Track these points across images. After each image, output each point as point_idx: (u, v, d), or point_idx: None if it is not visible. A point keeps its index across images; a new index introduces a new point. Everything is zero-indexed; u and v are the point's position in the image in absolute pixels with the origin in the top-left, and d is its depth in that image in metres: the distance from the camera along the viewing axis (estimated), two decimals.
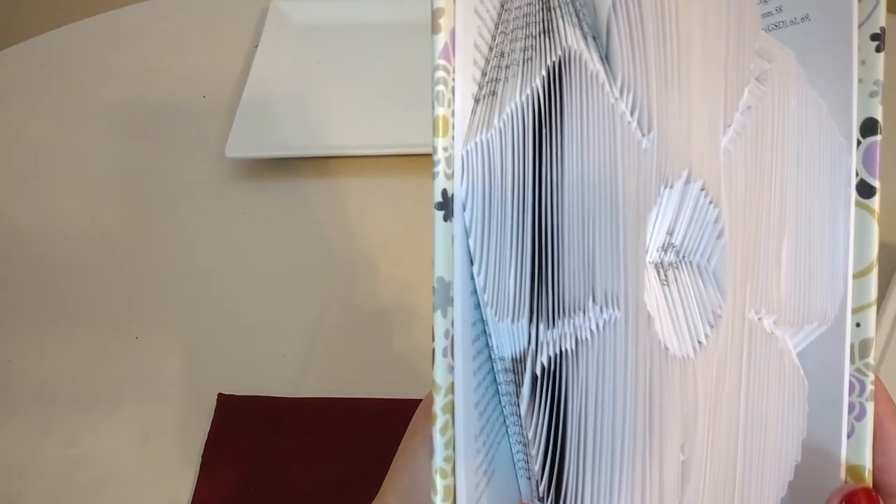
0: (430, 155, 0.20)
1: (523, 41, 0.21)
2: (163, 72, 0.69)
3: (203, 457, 0.46)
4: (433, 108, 0.20)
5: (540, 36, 0.21)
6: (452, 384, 0.20)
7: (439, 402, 0.20)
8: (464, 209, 0.20)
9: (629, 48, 0.19)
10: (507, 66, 0.21)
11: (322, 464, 0.46)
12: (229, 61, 0.68)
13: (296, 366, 0.50)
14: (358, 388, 0.48)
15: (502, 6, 0.23)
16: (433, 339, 0.20)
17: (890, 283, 0.49)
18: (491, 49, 0.22)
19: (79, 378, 0.51)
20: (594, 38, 0.20)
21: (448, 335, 0.20)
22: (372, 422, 0.47)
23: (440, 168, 0.20)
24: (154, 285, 0.55)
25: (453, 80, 0.20)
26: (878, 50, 0.21)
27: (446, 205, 0.20)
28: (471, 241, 0.20)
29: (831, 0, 0.22)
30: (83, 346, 0.52)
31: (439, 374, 0.20)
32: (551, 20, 0.21)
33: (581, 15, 0.20)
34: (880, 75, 0.21)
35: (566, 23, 0.20)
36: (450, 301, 0.20)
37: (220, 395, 0.49)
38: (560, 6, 0.21)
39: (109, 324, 0.53)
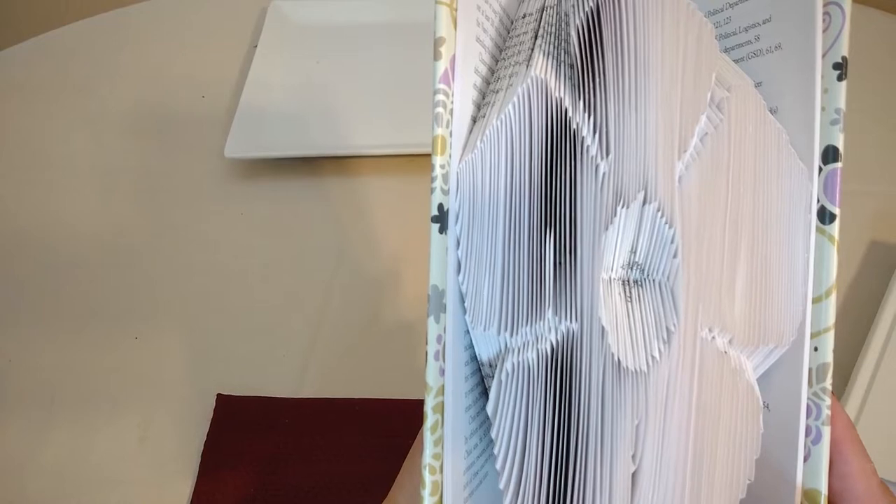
0: (429, 155, 0.21)
1: (512, 68, 0.23)
2: (163, 72, 0.69)
3: (202, 457, 0.46)
4: (433, 128, 0.21)
5: (522, 63, 0.22)
6: (443, 386, 0.21)
7: (430, 402, 0.21)
8: (456, 222, 0.22)
9: (590, 75, 0.20)
10: (496, 91, 0.23)
11: (321, 464, 0.46)
12: (229, 61, 0.68)
13: (296, 366, 0.50)
14: (358, 388, 0.49)
15: (508, 33, 0.25)
16: (426, 343, 0.21)
17: (890, 282, 0.49)
18: (493, 72, 0.24)
19: (79, 378, 0.51)
20: (571, 67, 0.21)
21: (440, 340, 0.21)
22: (372, 422, 0.47)
23: (437, 184, 0.21)
24: (154, 285, 0.55)
25: (452, 102, 0.21)
26: (839, 79, 0.22)
27: (442, 218, 0.21)
28: (459, 252, 0.22)
29: (799, 30, 0.22)
30: (83, 346, 0.53)
31: (430, 377, 0.21)
32: (532, 49, 0.22)
33: (566, 44, 0.22)
34: (842, 104, 0.22)
35: (540, 52, 0.22)
36: (442, 308, 0.21)
37: (219, 395, 0.49)
38: (544, 35, 0.22)
39: (109, 324, 0.54)
